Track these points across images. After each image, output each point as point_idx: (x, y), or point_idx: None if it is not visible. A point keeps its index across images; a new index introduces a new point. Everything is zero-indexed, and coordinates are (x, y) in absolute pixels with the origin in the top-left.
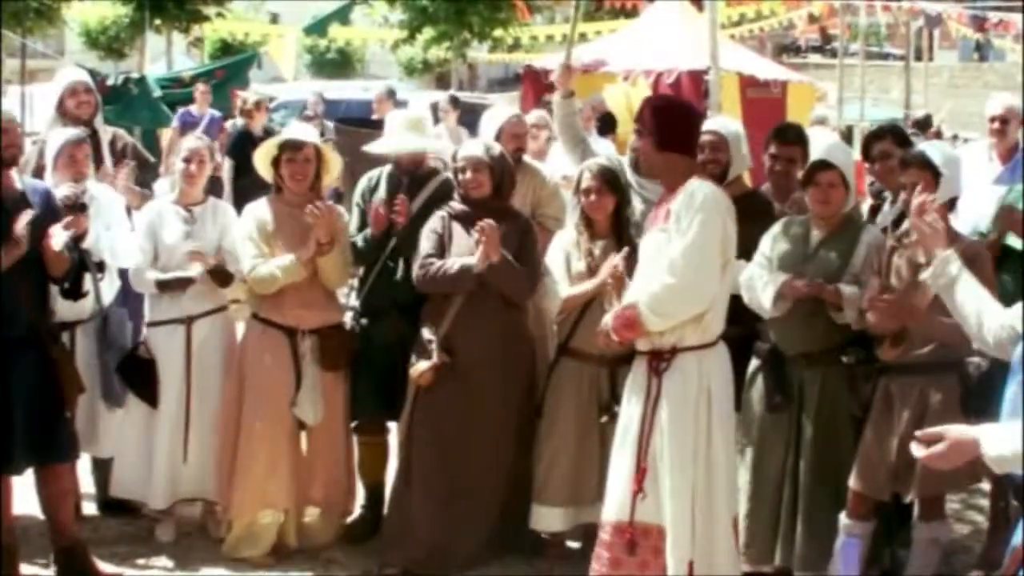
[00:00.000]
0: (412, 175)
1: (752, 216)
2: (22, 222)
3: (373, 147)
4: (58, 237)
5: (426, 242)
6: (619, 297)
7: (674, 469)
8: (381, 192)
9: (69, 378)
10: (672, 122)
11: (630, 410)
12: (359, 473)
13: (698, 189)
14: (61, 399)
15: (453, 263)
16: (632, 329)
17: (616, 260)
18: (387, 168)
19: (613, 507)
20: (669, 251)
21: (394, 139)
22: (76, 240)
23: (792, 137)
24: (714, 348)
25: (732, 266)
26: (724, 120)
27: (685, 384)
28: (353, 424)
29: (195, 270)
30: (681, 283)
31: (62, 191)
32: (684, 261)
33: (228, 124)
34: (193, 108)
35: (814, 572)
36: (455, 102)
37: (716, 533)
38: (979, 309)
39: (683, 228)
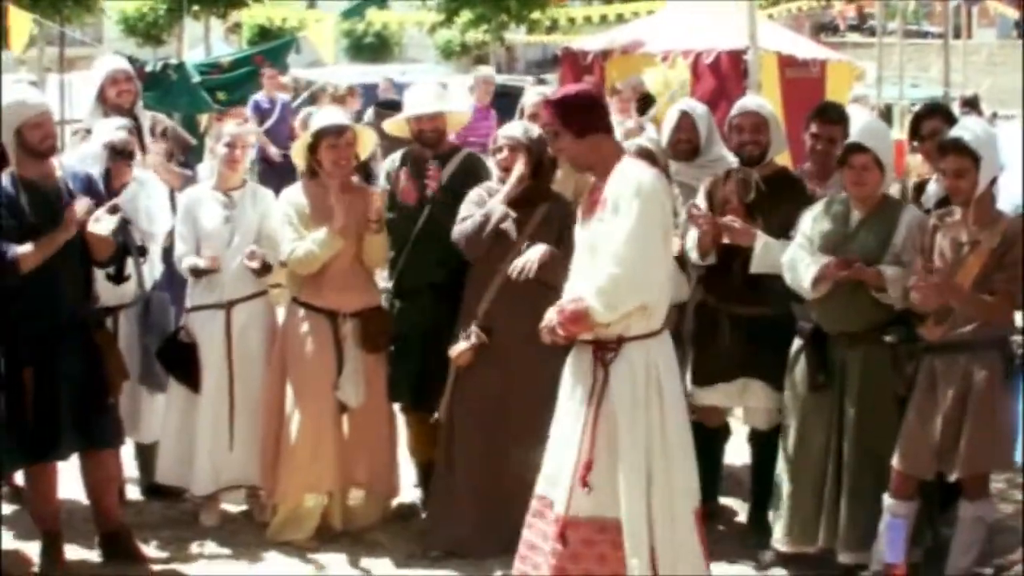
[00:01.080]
0: (436, 152)
1: (784, 195)
2: (81, 208)
3: (394, 120)
4: (105, 221)
5: (464, 210)
6: None
7: (627, 460)
8: (403, 168)
9: (114, 364)
10: (580, 107)
11: (572, 403)
12: (409, 453)
13: (632, 173)
14: (106, 385)
15: (485, 209)
16: (579, 323)
17: None
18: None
19: (560, 496)
20: (610, 240)
21: (414, 106)
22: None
23: (833, 116)
24: (659, 336)
25: (671, 249)
26: (760, 100)
27: (633, 375)
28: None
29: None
30: (628, 273)
31: (111, 136)
32: (628, 249)
33: (304, 112)
34: (262, 94)
35: (858, 552)
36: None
37: (677, 523)
38: None
39: (623, 215)
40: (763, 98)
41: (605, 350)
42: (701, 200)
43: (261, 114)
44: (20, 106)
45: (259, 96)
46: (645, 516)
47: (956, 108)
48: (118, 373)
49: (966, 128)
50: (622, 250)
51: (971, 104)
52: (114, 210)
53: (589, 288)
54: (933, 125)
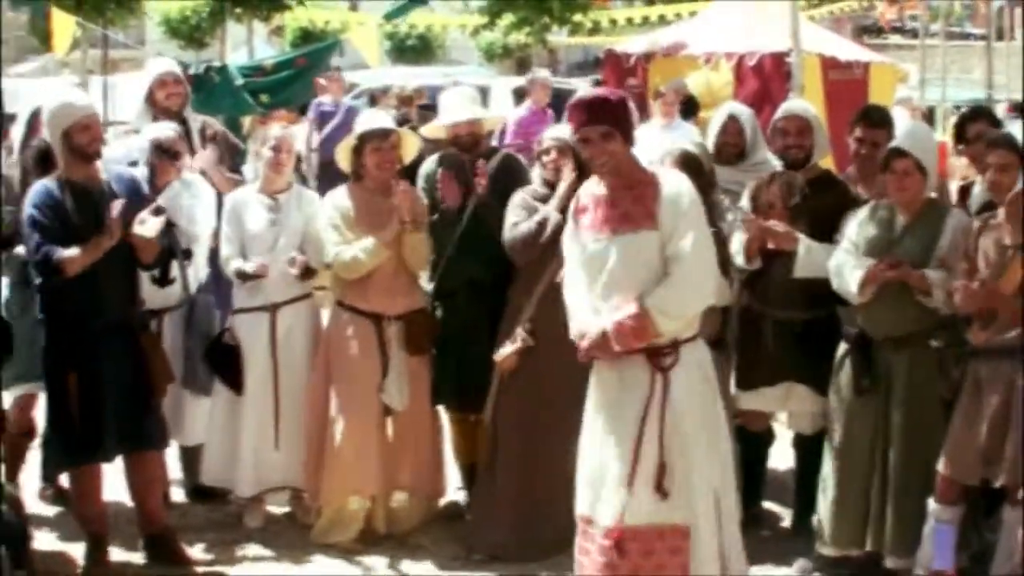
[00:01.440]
0: (473, 154)
1: (828, 198)
2: (115, 211)
3: (432, 126)
4: (150, 224)
5: (513, 215)
6: None
7: (699, 463)
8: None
9: (159, 366)
10: (630, 111)
11: (617, 413)
12: (454, 455)
13: (682, 183)
14: (151, 387)
15: (540, 216)
16: (643, 336)
17: None
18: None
19: (608, 510)
20: (671, 250)
21: (450, 113)
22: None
23: (877, 120)
24: (699, 338)
25: None
26: (805, 103)
27: (690, 376)
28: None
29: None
30: (694, 280)
31: (158, 134)
32: (696, 257)
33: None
34: (326, 98)
35: (904, 557)
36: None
37: (735, 529)
38: None
39: (687, 224)
40: (806, 101)
41: (661, 356)
42: (745, 204)
43: (323, 118)
44: (68, 108)
45: (324, 99)
46: (716, 518)
47: (1001, 111)
48: (163, 375)
49: (1018, 129)
50: (689, 259)
51: (1020, 109)
52: (158, 212)
53: (652, 299)
54: (978, 128)
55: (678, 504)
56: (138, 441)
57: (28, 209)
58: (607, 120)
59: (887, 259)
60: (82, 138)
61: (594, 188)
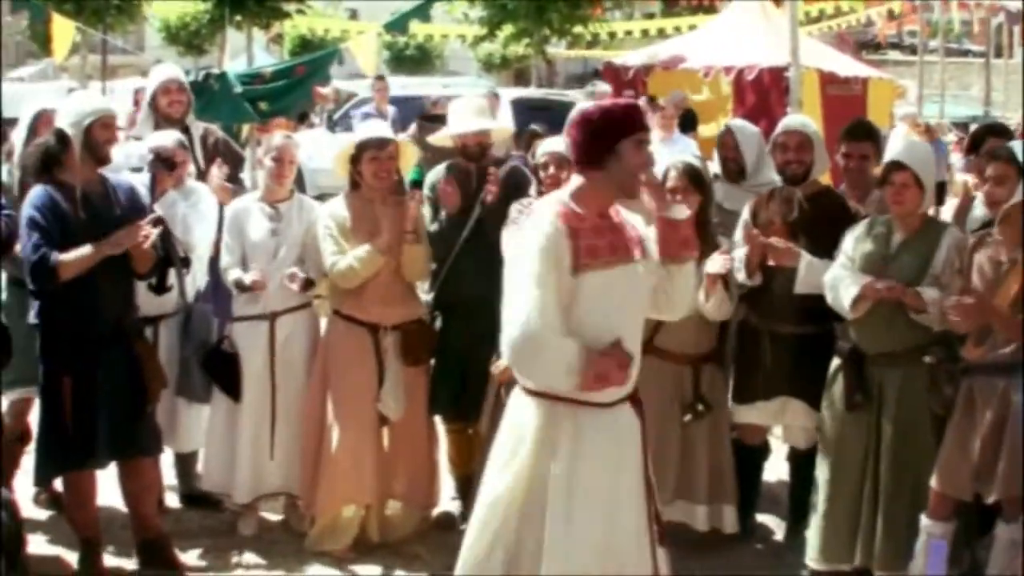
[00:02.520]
0: (479, 164)
1: (827, 214)
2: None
3: (439, 135)
4: (146, 233)
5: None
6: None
7: None
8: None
9: (153, 373)
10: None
11: (620, 464)
12: (449, 465)
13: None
14: (145, 393)
15: None
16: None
17: (722, 258)
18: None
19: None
20: (670, 281)
21: (459, 123)
22: (162, 236)
23: (861, 134)
24: None
25: None
26: (805, 119)
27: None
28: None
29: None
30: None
31: (156, 143)
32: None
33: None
34: (371, 107)
35: (894, 572)
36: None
37: None
38: None
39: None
40: (805, 115)
41: (639, 401)
42: (741, 225)
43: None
44: (95, 102)
45: (368, 108)
46: None
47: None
48: (157, 381)
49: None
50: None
51: None
52: (156, 223)
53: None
54: (993, 144)
55: None
56: (132, 447)
57: (27, 210)
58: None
59: (880, 279)
60: (101, 135)
61: None
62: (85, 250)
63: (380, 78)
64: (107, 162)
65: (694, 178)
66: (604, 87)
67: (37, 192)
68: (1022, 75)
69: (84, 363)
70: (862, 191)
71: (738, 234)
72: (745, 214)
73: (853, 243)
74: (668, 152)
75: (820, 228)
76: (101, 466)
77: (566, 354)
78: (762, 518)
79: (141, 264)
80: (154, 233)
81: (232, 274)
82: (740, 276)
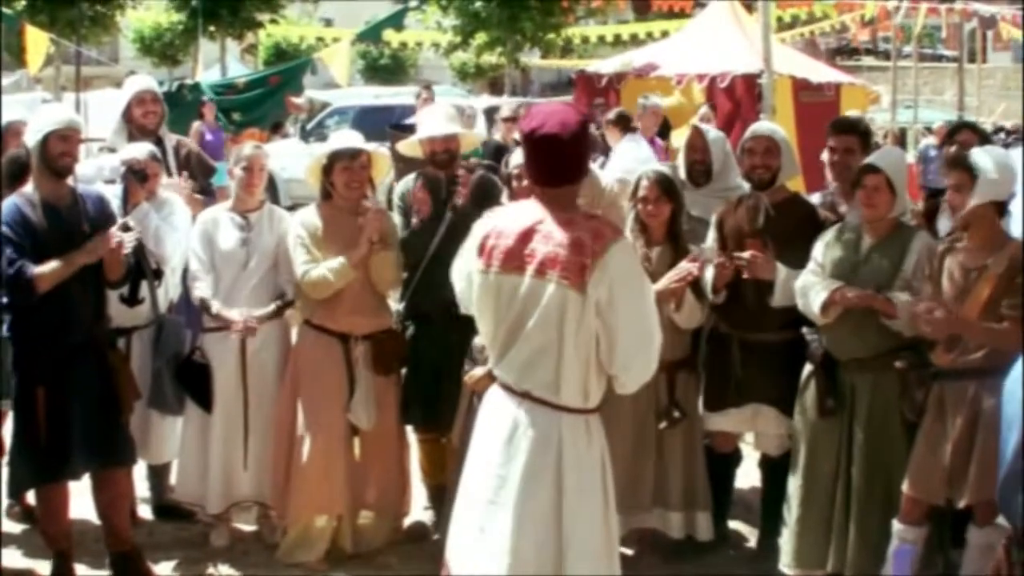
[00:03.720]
0: (449, 173)
1: (794, 220)
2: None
3: (408, 141)
4: (119, 239)
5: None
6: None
7: None
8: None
9: (126, 384)
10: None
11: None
12: (421, 475)
13: None
14: (118, 404)
15: None
16: None
17: (689, 265)
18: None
19: None
20: None
21: (428, 128)
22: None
23: (845, 127)
24: None
25: None
26: (773, 125)
27: None
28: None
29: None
30: None
31: (129, 156)
32: None
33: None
34: (415, 119)
35: None
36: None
37: None
38: None
39: None
40: (777, 122)
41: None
42: (712, 231)
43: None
44: (52, 114)
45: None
46: None
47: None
48: (129, 392)
49: (983, 150)
50: None
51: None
52: (125, 228)
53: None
54: (966, 136)
55: None
56: (105, 458)
57: None
58: None
59: (849, 285)
60: (56, 147)
61: None
62: (60, 262)
63: (427, 87)
64: (66, 174)
65: (666, 187)
66: (654, 99)
67: (7, 205)
68: None
69: (58, 374)
70: (848, 184)
71: (709, 239)
72: (711, 226)
73: (823, 249)
74: (629, 148)
75: (786, 234)
76: (75, 477)
77: None
78: (735, 525)
79: (113, 271)
80: (128, 238)
81: (200, 290)
82: (708, 292)
